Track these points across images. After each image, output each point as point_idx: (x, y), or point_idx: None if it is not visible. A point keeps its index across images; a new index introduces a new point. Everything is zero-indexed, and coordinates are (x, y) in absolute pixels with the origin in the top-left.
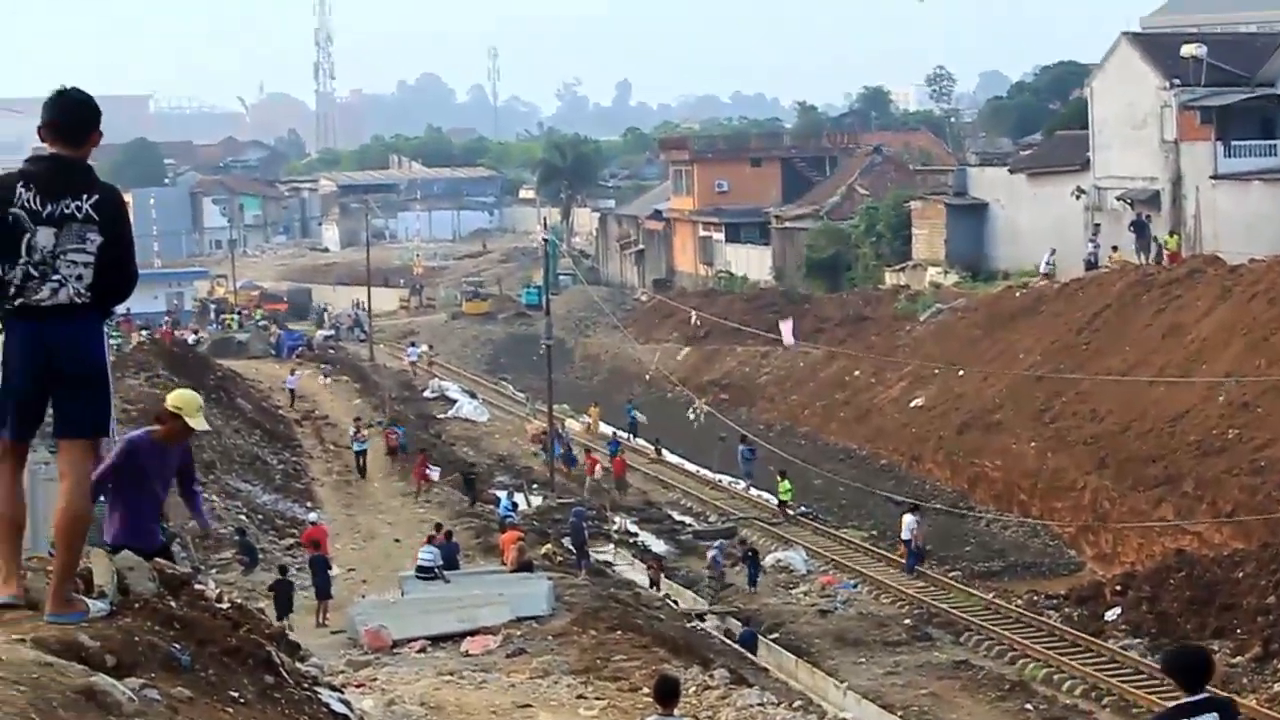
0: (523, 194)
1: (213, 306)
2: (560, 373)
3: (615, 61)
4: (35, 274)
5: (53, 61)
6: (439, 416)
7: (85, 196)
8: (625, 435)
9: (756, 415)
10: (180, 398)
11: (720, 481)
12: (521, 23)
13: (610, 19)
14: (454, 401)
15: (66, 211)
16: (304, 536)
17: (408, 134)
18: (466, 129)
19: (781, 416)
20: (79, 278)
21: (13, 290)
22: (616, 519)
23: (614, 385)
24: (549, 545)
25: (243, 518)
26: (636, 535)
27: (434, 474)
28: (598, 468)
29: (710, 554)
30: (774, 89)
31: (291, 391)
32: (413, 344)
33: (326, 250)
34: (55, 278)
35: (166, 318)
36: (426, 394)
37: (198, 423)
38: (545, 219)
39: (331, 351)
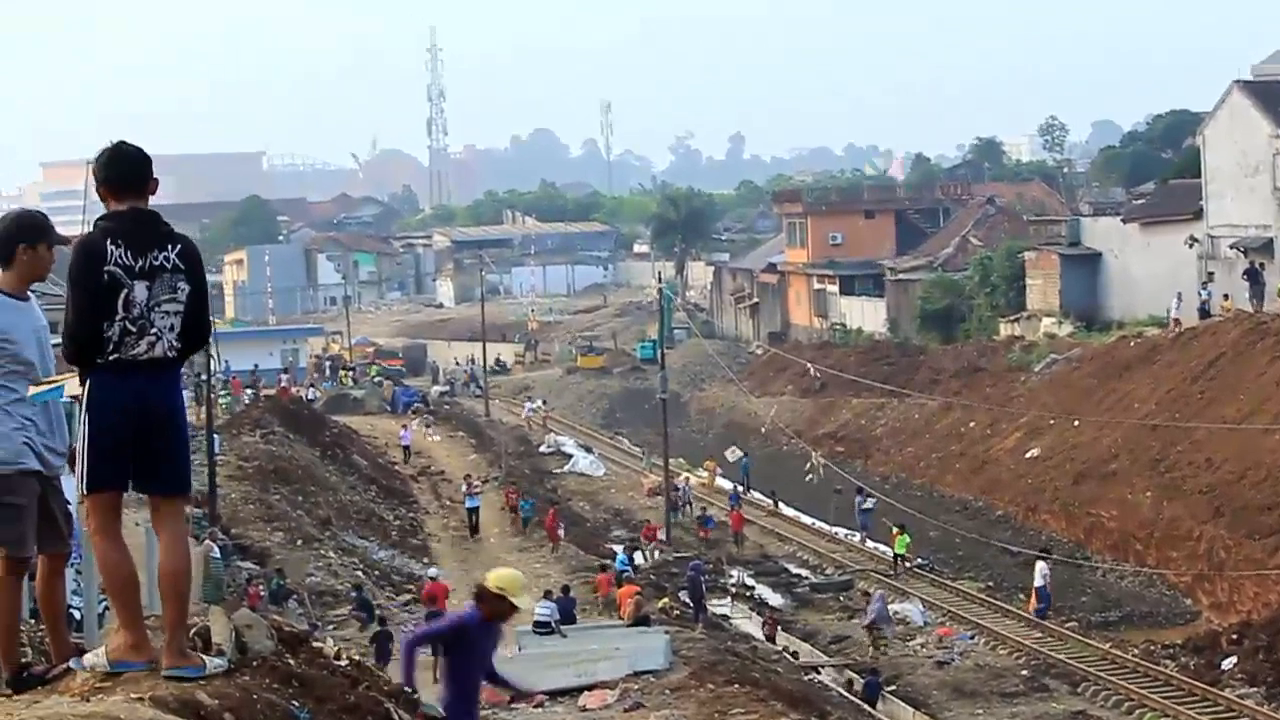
0: (637, 248)
1: (328, 363)
2: (676, 426)
3: (728, 115)
4: (133, 329)
5: (166, 121)
6: (555, 471)
7: (171, 246)
8: (740, 488)
9: (872, 467)
10: (504, 578)
11: (837, 534)
12: (635, 76)
13: (723, 72)
14: (570, 456)
15: (157, 263)
16: (424, 593)
17: (521, 189)
18: (580, 184)
19: (897, 468)
20: (171, 328)
21: (110, 346)
22: (734, 572)
23: (729, 439)
24: (666, 599)
25: (359, 574)
26: (753, 588)
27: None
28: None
29: (873, 605)
30: (887, 140)
31: (406, 448)
32: (529, 399)
33: (441, 306)
34: (152, 331)
35: (283, 375)
36: (543, 449)
37: (523, 602)
38: (659, 273)
39: (447, 407)
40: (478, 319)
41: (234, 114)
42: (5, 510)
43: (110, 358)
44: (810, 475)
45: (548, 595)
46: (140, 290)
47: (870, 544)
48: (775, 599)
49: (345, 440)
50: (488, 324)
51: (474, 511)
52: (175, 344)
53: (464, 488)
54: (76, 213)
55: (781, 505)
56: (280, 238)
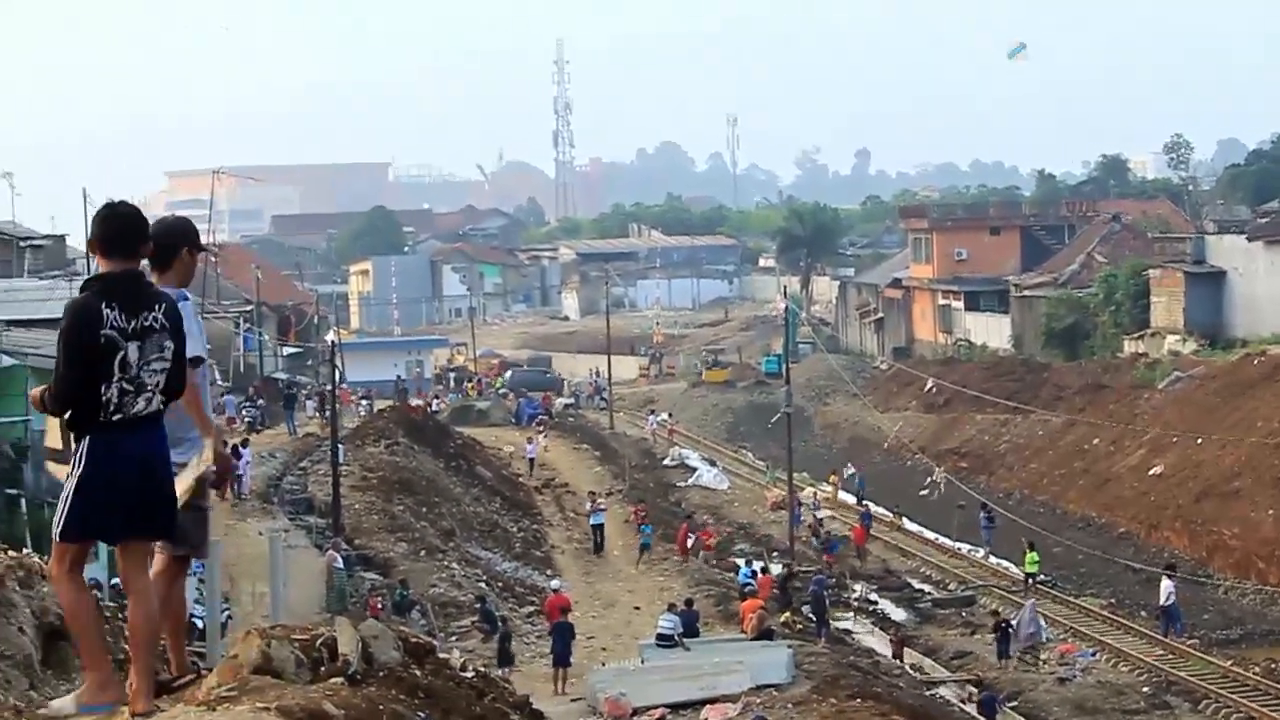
0: (762, 262)
1: (452, 374)
2: (800, 441)
3: (855, 130)
4: (130, 388)
5: (292, 130)
6: (679, 484)
7: (157, 306)
8: (854, 501)
9: (995, 483)
10: None
11: (960, 549)
12: (761, 91)
13: (850, 87)
14: (694, 470)
15: (147, 324)
16: (546, 604)
17: (647, 202)
18: (706, 197)
19: (1020, 484)
20: (158, 385)
21: (111, 407)
22: (856, 587)
23: (853, 454)
24: (789, 613)
25: (483, 585)
26: (876, 603)
27: (696, 541)
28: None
29: (1023, 614)
30: (1012, 157)
31: (531, 460)
32: (652, 412)
33: (566, 318)
34: (146, 391)
35: (418, 395)
36: (667, 462)
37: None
38: (785, 287)
39: (571, 419)
40: (603, 332)
41: (360, 124)
42: (197, 513)
43: (113, 418)
44: (930, 491)
45: (671, 608)
46: (133, 351)
47: (994, 559)
48: (898, 614)
49: (469, 452)
50: (613, 337)
51: (599, 528)
52: (161, 400)
53: (588, 504)
54: (202, 221)
55: (904, 520)
56: (406, 249)
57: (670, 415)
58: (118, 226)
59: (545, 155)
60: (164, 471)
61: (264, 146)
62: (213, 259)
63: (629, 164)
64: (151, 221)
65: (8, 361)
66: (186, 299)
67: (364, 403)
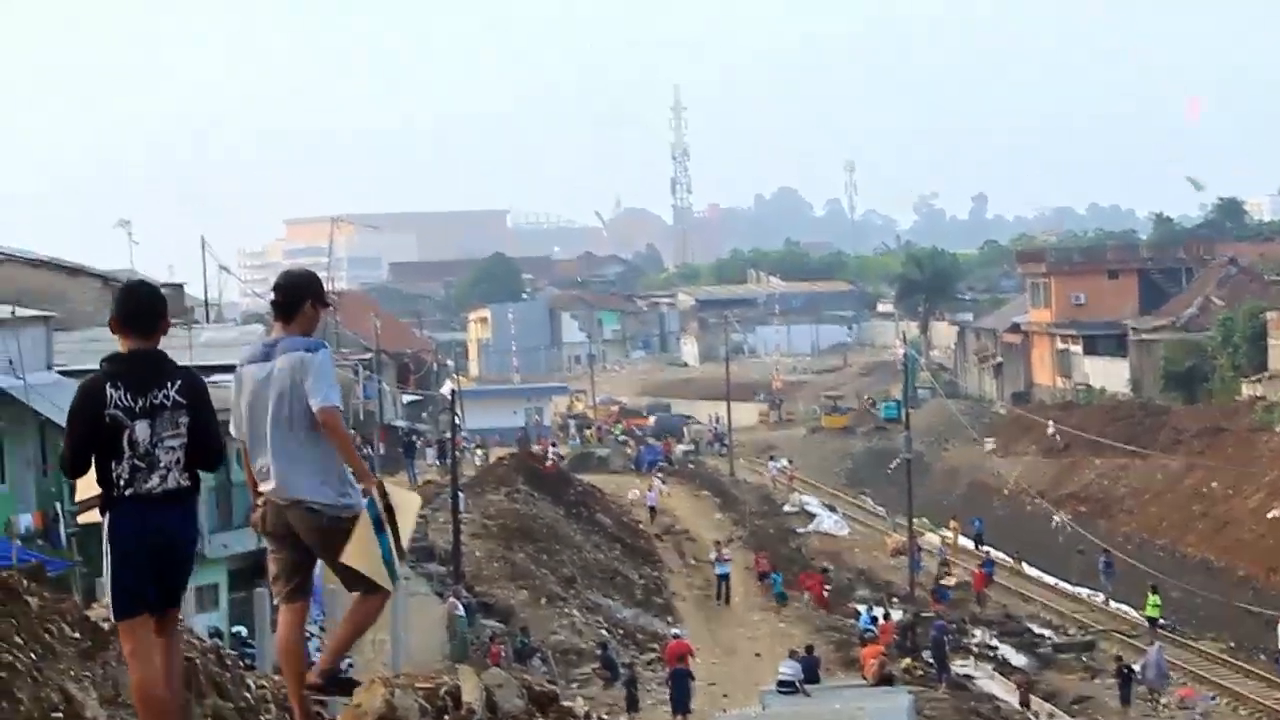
0: (881, 308)
1: (572, 422)
2: (919, 486)
3: (972, 174)
4: (141, 465)
5: (410, 178)
6: (799, 531)
7: (170, 384)
8: (972, 545)
9: (1115, 527)
10: None
11: (1080, 594)
12: (879, 136)
13: (967, 133)
14: (814, 516)
15: (157, 401)
16: (667, 650)
17: (765, 248)
18: (824, 243)
19: (1139, 528)
20: (177, 462)
21: (122, 482)
22: (977, 632)
23: (973, 499)
24: (909, 659)
25: (604, 632)
26: (996, 649)
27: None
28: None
29: (1149, 658)
30: (1129, 200)
31: (651, 507)
32: (772, 458)
33: (685, 364)
34: (160, 467)
35: (539, 442)
36: (787, 508)
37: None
38: (904, 332)
39: (691, 466)
40: (722, 378)
41: (479, 172)
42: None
43: (126, 493)
44: (1056, 534)
45: (792, 654)
46: (142, 429)
47: (1114, 604)
48: (1018, 659)
49: (589, 499)
50: (732, 383)
51: (724, 578)
52: (182, 478)
53: (713, 554)
54: (321, 269)
55: (1025, 565)
56: (525, 296)
57: (790, 461)
58: (134, 306)
59: (663, 201)
60: (185, 551)
61: (382, 194)
62: (331, 307)
63: (747, 210)
64: (279, 272)
65: None
66: (323, 347)
67: (479, 451)
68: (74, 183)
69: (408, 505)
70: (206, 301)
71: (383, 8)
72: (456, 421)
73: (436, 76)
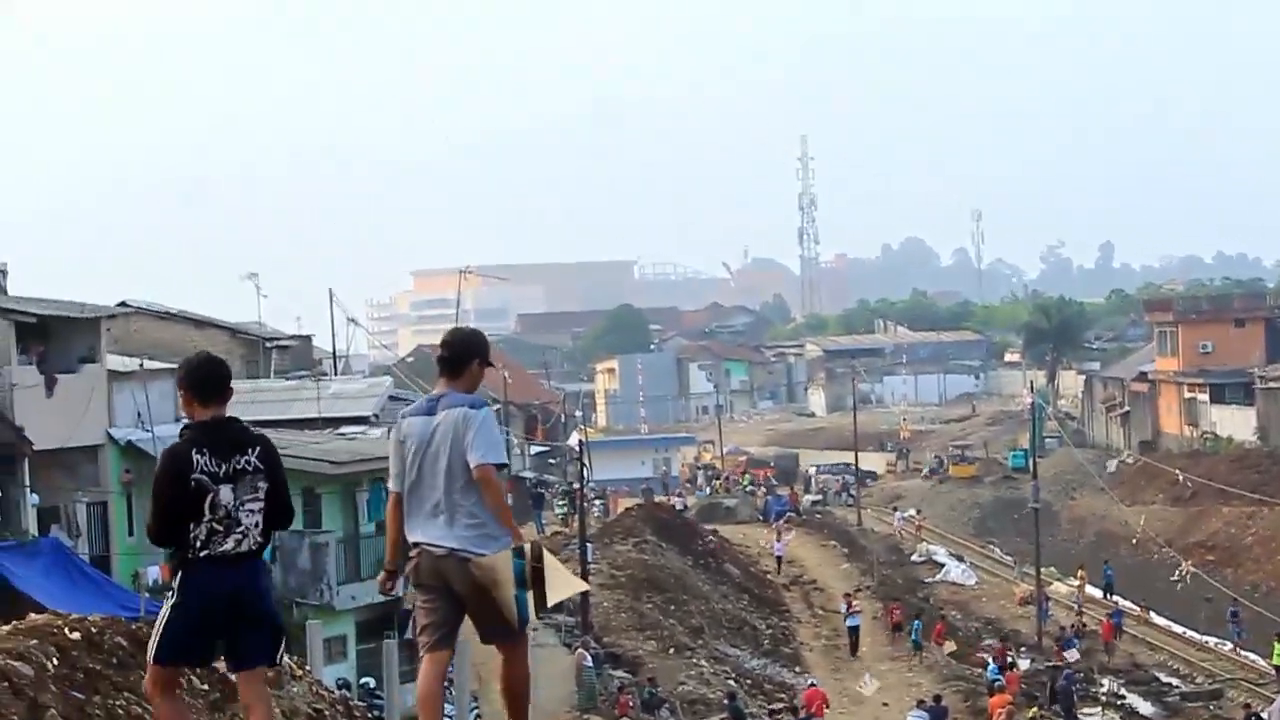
0: (1008, 357)
1: (700, 472)
2: (1047, 535)
3: (1098, 223)
4: (220, 528)
5: (537, 228)
6: (927, 580)
7: (250, 450)
8: (1101, 594)
9: (1242, 576)
10: None
11: (1207, 642)
12: (1005, 185)
13: (1093, 181)
14: (942, 565)
15: (239, 467)
16: (805, 697)
17: (892, 298)
18: (951, 292)
19: (1267, 577)
20: (256, 525)
21: (198, 544)
22: (1104, 681)
23: (1100, 548)
24: (1036, 708)
25: (731, 683)
26: (1124, 698)
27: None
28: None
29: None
30: (1256, 249)
31: (779, 556)
32: (896, 508)
33: (812, 415)
34: (239, 529)
35: (674, 493)
36: (914, 558)
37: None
38: (1031, 381)
39: (819, 516)
40: (849, 428)
41: (606, 223)
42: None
43: (201, 554)
44: (1179, 583)
45: (920, 704)
46: (226, 493)
47: (1242, 652)
48: (1145, 708)
49: (718, 550)
50: (859, 433)
51: (854, 630)
52: (259, 538)
53: (843, 606)
54: (446, 321)
55: (1152, 614)
56: (652, 347)
57: (918, 511)
58: (203, 376)
59: (790, 252)
60: (258, 603)
61: (507, 246)
62: (494, 367)
63: (874, 259)
64: (449, 330)
65: None
66: (487, 405)
67: (598, 502)
68: (202, 237)
69: (566, 584)
70: (334, 353)
71: (513, 65)
72: (585, 472)
73: (563, 131)
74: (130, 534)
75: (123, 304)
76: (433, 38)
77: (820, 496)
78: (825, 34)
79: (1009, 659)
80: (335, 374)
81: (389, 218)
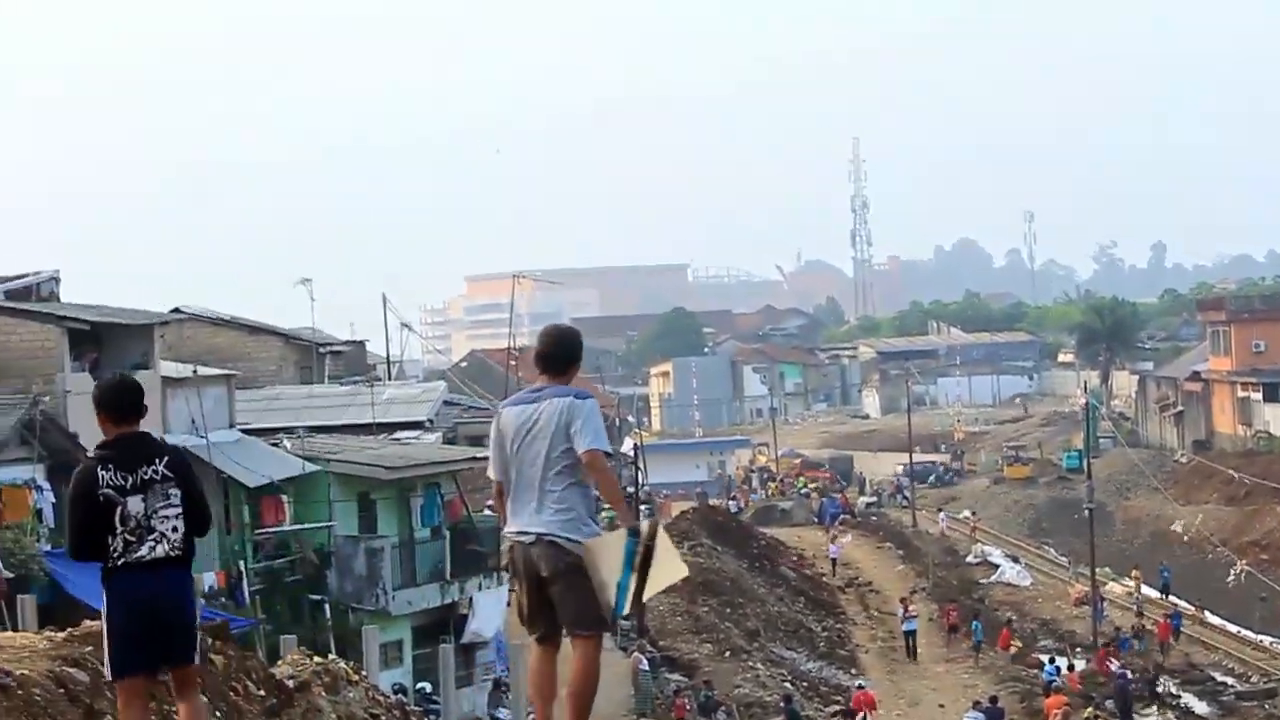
0: (1061, 357)
1: (754, 474)
2: (1102, 535)
3: (1150, 223)
4: (133, 538)
5: (591, 233)
6: (981, 582)
7: (158, 460)
8: (1159, 595)
9: None
10: None
11: (1262, 642)
12: (1058, 186)
13: (1145, 183)
14: (997, 566)
15: (147, 477)
16: (853, 701)
17: (946, 299)
18: (1004, 293)
19: None
20: (174, 529)
21: (116, 554)
22: (1159, 681)
23: (1155, 548)
24: (1091, 709)
25: (788, 685)
26: (1179, 697)
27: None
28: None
29: None
30: None
31: (834, 559)
32: (940, 509)
33: (867, 416)
34: (151, 536)
35: (733, 494)
36: (969, 559)
37: None
38: (1085, 382)
39: (874, 518)
40: (903, 429)
41: (659, 226)
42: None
43: (119, 563)
44: (1233, 582)
45: (976, 705)
46: (135, 503)
47: None
48: (1200, 707)
49: (773, 552)
50: (914, 435)
51: (911, 634)
52: (178, 544)
53: (900, 610)
54: (501, 326)
55: (1207, 614)
56: (706, 350)
57: (973, 513)
58: (118, 398)
59: (843, 254)
60: (177, 610)
61: (562, 250)
62: (513, 362)
63: (927, 261)
64: (546, 326)
65: (310, 468)
66: (589, 395)
67: (643, 507)
68: (255, 242)
69: (671, 569)
70: (389, 359)
71: (560, 64)
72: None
73: (616, 131)
74: None
75: (176, 310)
76: (487, 38)
77: (875, 499)
78: (878, 36)
79: (1111, 663)
80: (389, 379)
81: (442, 222)
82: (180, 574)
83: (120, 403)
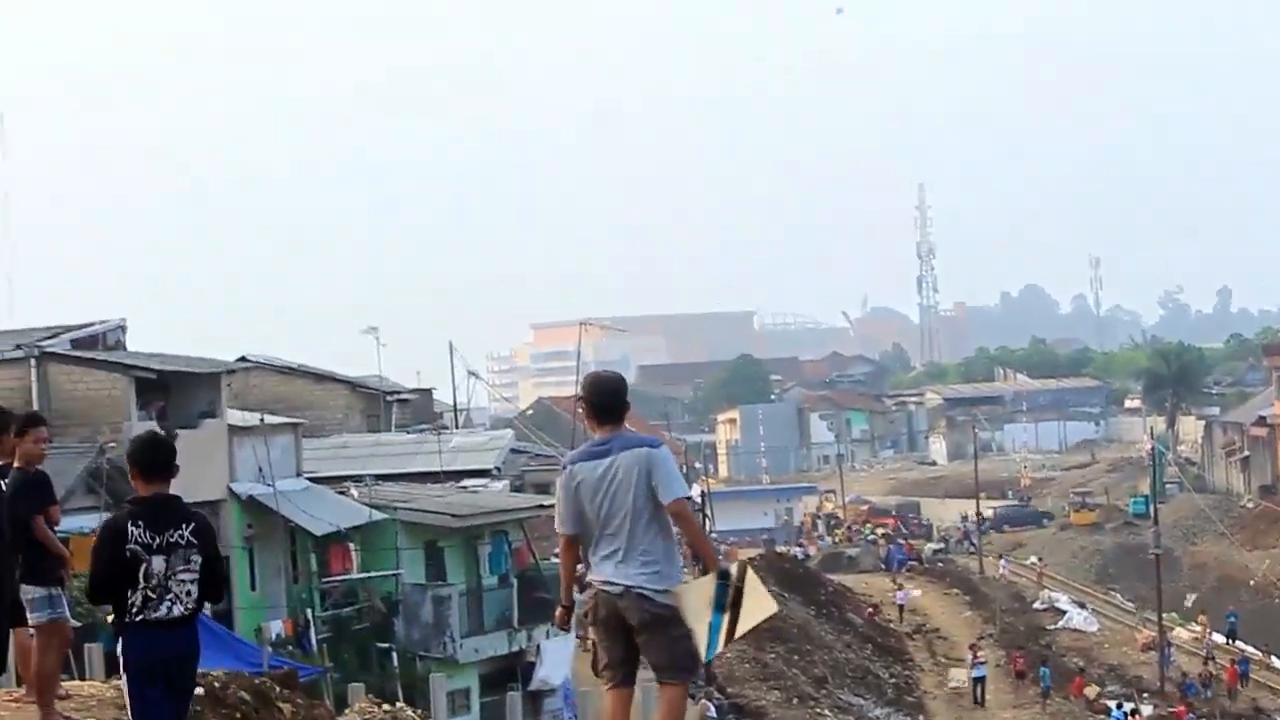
0: (1127, 403)
1: (821, 521)
2: (1168, 581)
3: (1216, 269)
4: (153, 595)
5: (658, 279)
6: (1049, 628)
7: (185, 525)
8: (1226, 640)
9: None
10: None
11: None
12: (1123, 232)
13: (1210, 227)
14: (1064, 612)
15: (173, 540)
16: None
17: (1012, 345)
18: (1070, 339)
19: None
20: (188, 593)
21: (135, 609)
22: None
23: (1222, 593)
24: None
25: None
26: None
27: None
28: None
29: None
30: None
31: (901, 605)
32: (1000, 555)
33: (934, 463)
34: (169, 596)
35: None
36: (1036, 605)
37: None
38: (1150, 428)
39: (940, 565)
40: (970, 476)
41: (725, 273)
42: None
43: (137, 619)
44: None
45: None
46: (159, 563)
47: None
48: None
49: (840, 599)
50: (980, 481)
51: (980, 681)
52: (191, 604)
53: (969, 657)
54: (567, 373)
55: (1274, 659)
56: (773, 397)
57: (1039, 558)
58: (151, 456)
59: (910, 301)
60: (188, 665)
61: (630, 297)
62: (580, 410)
63: (993, 307)
64: (589, 374)
65: (377, 516)
66: (660, 443)
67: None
68: (320, 289)
69: (761, 606)
70: (455, 407)
71: (629, 116)
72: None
73: (681, 178)
74: (253, 588)
75: (242, 359)
76: (554, 85)
77: (942, 545)
78: (941, 83)
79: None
80: (456, 427)
81: (507, 269)
82: (192, 632)
83: (154, 460)
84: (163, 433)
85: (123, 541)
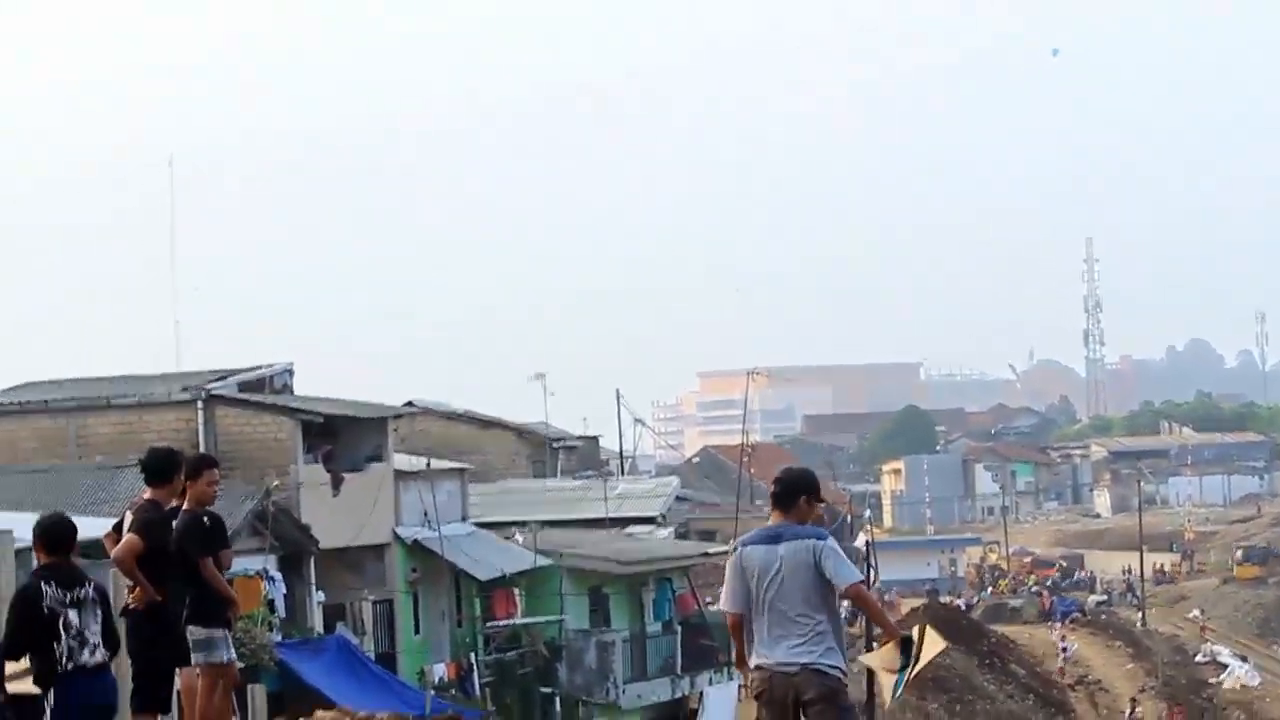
0: None
1: (985, 572)
2: None
3: None
4: (75, 644)
5: (824, 329)
6: (1211, 681)
7: (86, 585)
8: None
9: None
10: None
11: None
12: None
13: None
14: (1226, 666)
15: (80, 596)
16: None
17: (1177, 399)
18: (1235, 394)
19: None
20: (98, 645)
21: (64, 658)
22: None
23: None
24: None
25: None
26: None
27: None
28: None
29: None
30: None
31: (1064, 657)
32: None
33: (1098, 516)
34: (89, 645)
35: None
36: (1199, 658)
37: None
38: None
39: (1104, 616)
40: (1134, 529)
41: (892, 324)
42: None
43: (69, 666)
44: None
45: None
46: (73, 615)
47: None
48: None
49: (1002, 650)
50: (1145, 534)
51: None
52: (103, 655)
53: (1128, 710)
54: (733, 422)
55: None
56: (938, 448)
57: (1201, 612)
58: (57, 532)
59: (1076, 353)
60: (113, 709)
61: (795, 347)
62: (746, 459)
63: (1159, 361)
64: (781, 468)
65: (542, 561)
66: (827, 535)
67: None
68: (490, 335)
69: (934, 646)
70: (621, 454)
71: (791, 176)
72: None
73: (844, 232)
74: (416, 632)
75: (409, 404)
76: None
77: (1106, 597)
78: (1106, 137)
79: None
80: (622, 474)
81: (675, 317)
82: (112, 682)
83: (61, 536)
84: (68, 517)
85: (39, 599)
